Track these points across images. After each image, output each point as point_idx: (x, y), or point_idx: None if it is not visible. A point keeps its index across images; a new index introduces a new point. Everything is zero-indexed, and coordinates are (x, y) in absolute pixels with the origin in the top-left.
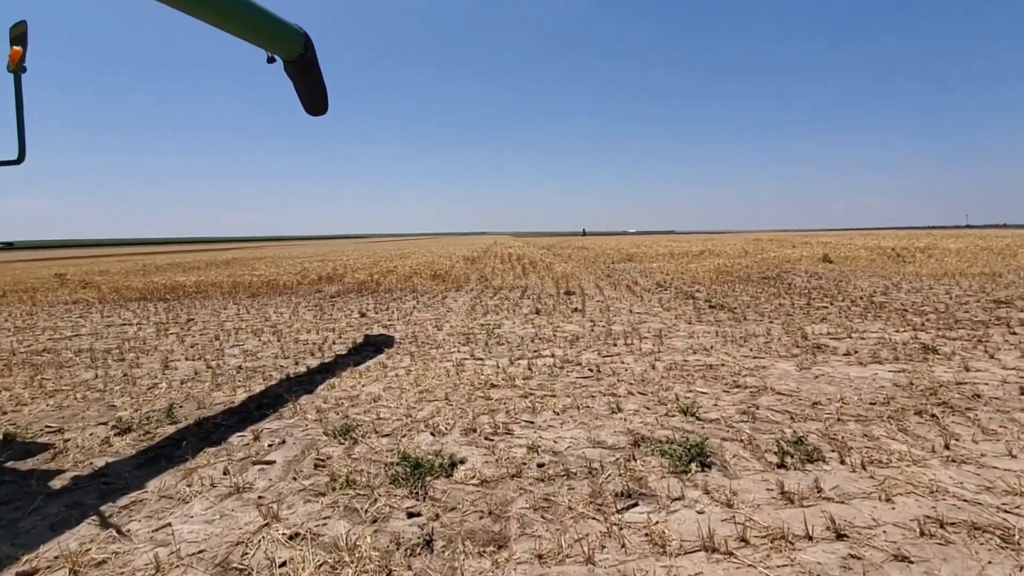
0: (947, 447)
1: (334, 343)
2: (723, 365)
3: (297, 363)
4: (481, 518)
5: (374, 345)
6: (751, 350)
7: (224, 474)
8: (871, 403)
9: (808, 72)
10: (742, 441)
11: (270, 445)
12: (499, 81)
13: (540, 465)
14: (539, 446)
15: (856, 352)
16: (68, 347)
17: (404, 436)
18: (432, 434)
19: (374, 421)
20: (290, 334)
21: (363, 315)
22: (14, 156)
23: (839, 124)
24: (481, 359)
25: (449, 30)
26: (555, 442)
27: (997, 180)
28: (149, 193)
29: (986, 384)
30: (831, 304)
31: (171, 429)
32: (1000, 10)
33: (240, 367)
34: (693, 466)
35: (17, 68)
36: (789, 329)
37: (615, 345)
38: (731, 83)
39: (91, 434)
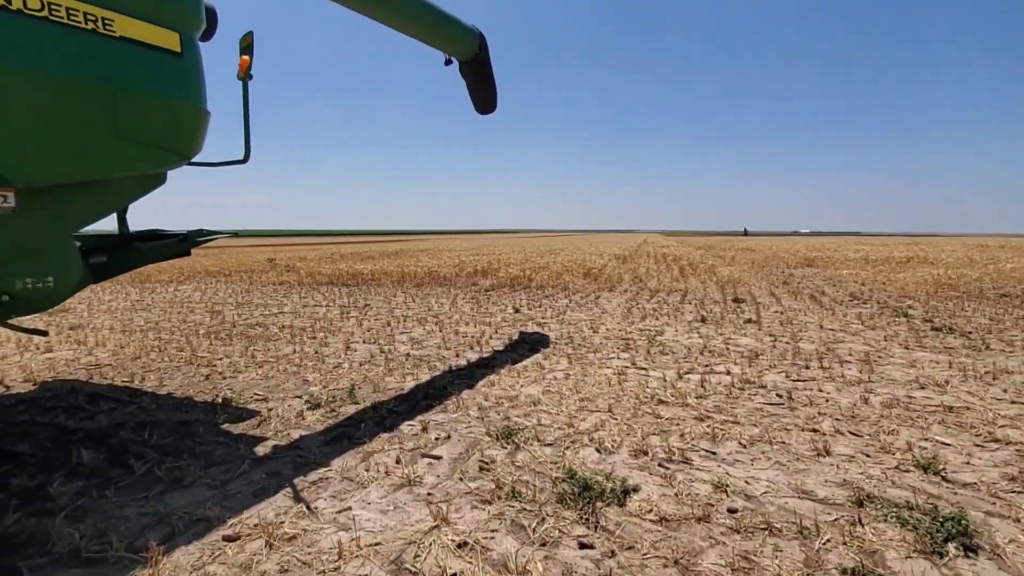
0: None
1: (491, 338)
2: (968, 409)
3: (458, 355)
4: (666, 567)
5: (529, 343)
6: (1005, 391)
7: (397, 463)
8: None
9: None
10: (1018, 520)
11: (437, 439)
12: (655, 76)
13: (732, 511)
14: (727, 485)
15: None
16: (274, 323)
17: (567, 448)
18: (598, 450)
19: (535, 427)
20: (450, 325)
21: (517, 311)
22: (241, 156)
23: None
24: (644, 369)
25: (607, 24)
26: (747, 483)
27: None
28: (338, 188)
29: None
30: None
31: (352, 409)
32: None
33: (408, 355)
34: (951, 547)
35: (245, 76)
36: None
37: (807, 367)
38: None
39: (289, 406)
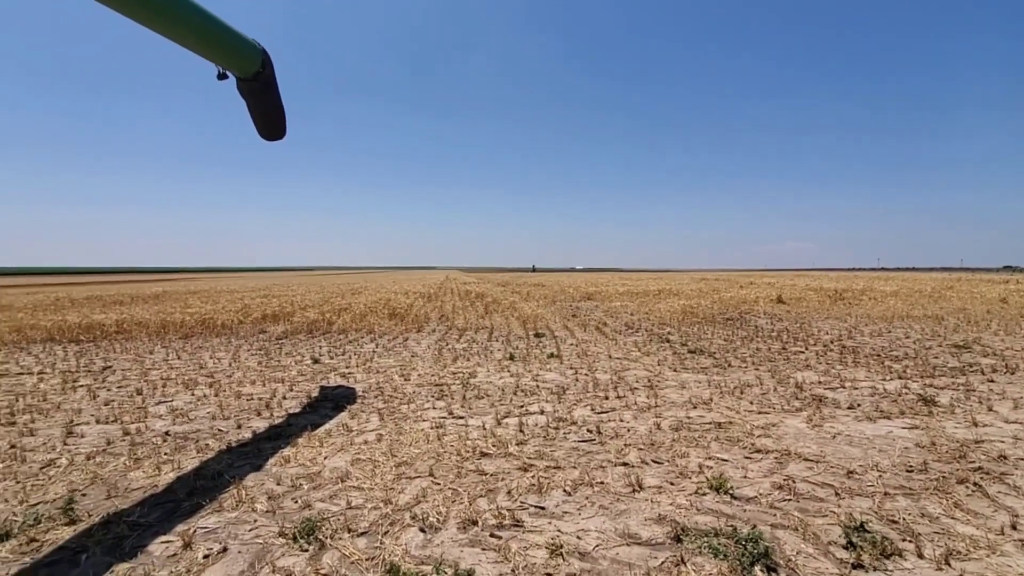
0: (1014, 527)
1: (284, 397)
2: (731, 423)
3: (240, 426)
4: None
5: (333, 400)
6: (751, 403)
7: None
8: (907, 470)
9: (738, 125)
10: (797, 530)
11: (206, 556)
12: (452, 119)
13: None
14: (561, 545)
15: (859, 405)
16: None
17: (386, 534)
18: (422, 530)
19: (344, 512)
20: (230, 386)
21: (316, 361)
22: None
23: (765, 173)
24: (462, 418)
25: (409, 64)
26: (579, 537)
27: (904, 229)
28: (68, 217)
29: (1002, 442)
30: (806, 349)
31: (67, 532)
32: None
33: (167, 433)
34: (757, 570)
35: None
36: (779, 378)
37: (607, 398)
38: (670, 136)
39: None
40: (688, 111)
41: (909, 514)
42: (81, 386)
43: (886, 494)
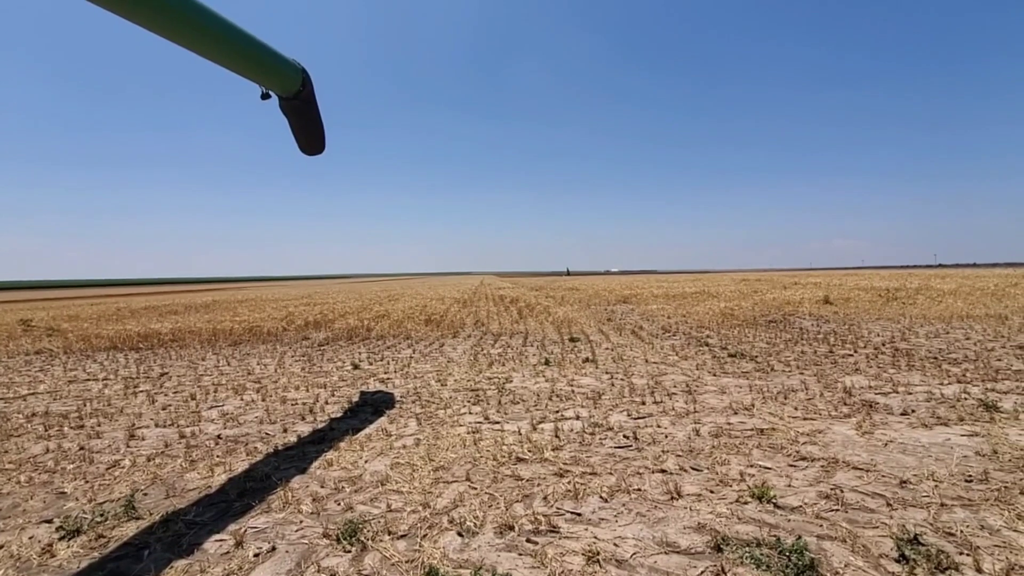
0: None
1: (327, 403)
2: (774, 430)
3: (286, 430)
4: None
5: (372, 405)
6: (796, 409)
7: None
8: (966, 480)
9: (782, 118)
10: (845, 541)
11: (256, 555)
12: (481, 120)
13: None
14: (598, 552)
15: (913, 411)
16: (21, 410)
17: (424, 537)
18: (460, 534)
19: (385, 515)
20: (276, 391)
21: (356, 367)
22: None
23: (810, 169)
24: (498, 423)
25: (447, 69)
26: (616, 545)
27: (963, 222)
28: (127, 231)
29: None
30: (855, 352)
31: (131, 529)
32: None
33: (219, 436)
34: None
35: None
36: (826, 382)
37: (643, 403)
38: (709, 128)
39: (31, 537)
40: (727, 105)
41: (967, 526)
42: (141, 391)
43: (942, 505)
